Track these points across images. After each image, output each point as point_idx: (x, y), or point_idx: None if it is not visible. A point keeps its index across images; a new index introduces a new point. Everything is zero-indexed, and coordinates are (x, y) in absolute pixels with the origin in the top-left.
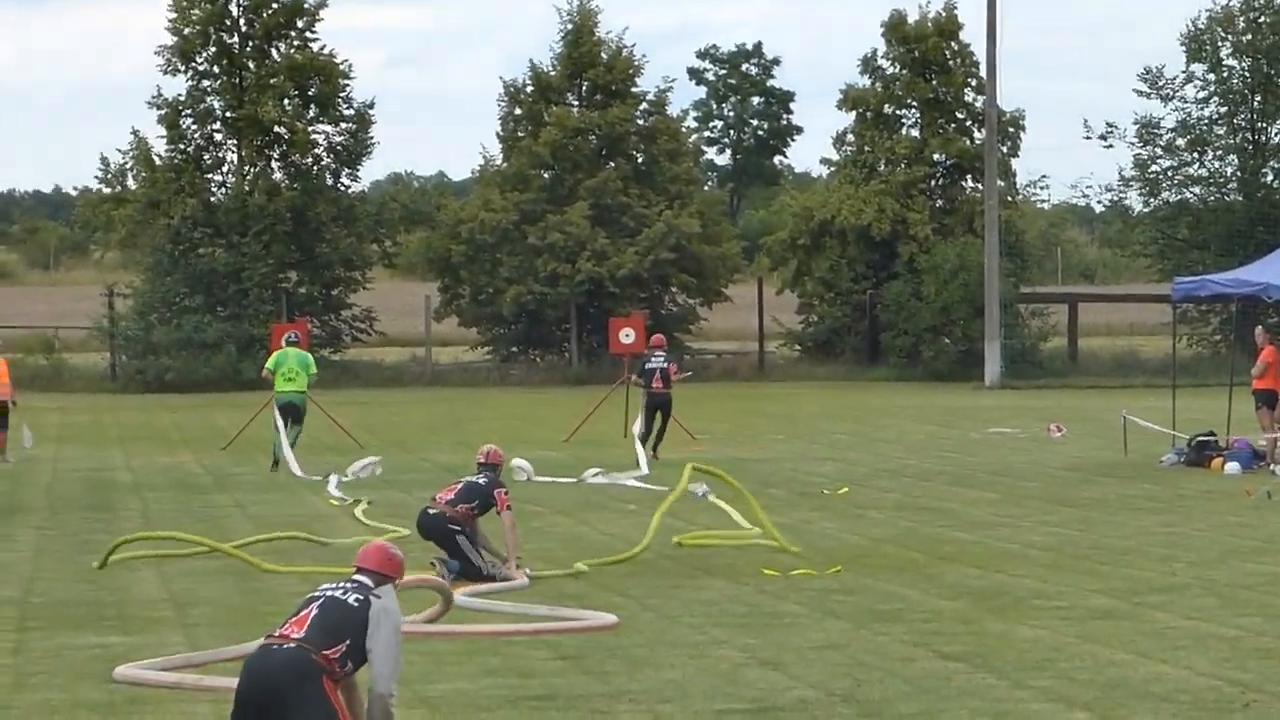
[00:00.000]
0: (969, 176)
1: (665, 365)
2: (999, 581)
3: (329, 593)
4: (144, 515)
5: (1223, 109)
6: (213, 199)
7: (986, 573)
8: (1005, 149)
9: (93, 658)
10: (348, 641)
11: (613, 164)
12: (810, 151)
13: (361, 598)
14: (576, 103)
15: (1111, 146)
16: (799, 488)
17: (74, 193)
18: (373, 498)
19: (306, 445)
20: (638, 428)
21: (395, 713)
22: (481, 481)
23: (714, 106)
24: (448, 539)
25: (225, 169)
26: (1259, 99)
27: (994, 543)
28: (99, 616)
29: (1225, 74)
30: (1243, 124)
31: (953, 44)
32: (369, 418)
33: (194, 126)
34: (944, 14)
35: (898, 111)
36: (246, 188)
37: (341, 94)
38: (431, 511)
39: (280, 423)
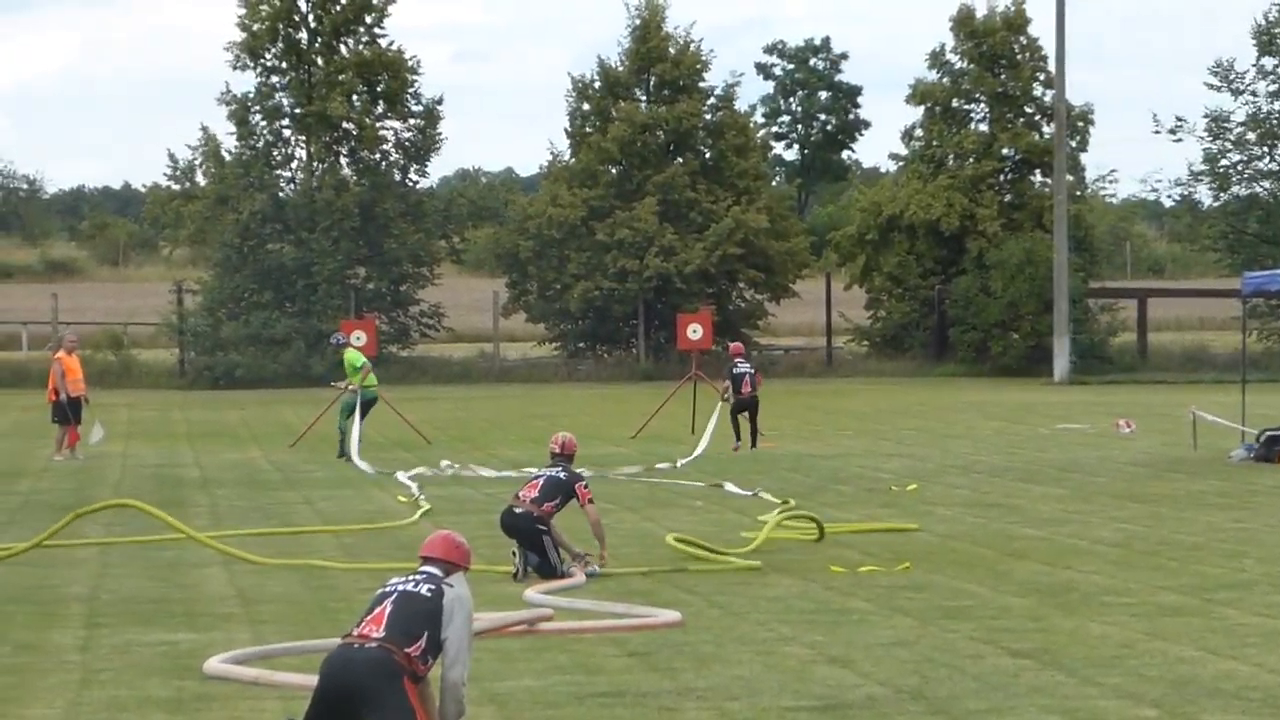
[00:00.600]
0: (1037, 171)
1: (753, 371)
2: (1067, 578)
3: (400, 587)
4: (212, 511)
5: None
6: (281, 195)
7: (1055, 569)
8: (1074, 143)
9: (161, 654)
10: (425, 635)
11: (680, 160)
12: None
13: (434, 588)
14: (644, 98)
15: (1181, 140)
16: (867, 484)
17: (143, 189)
18: (426, 496)
19: (375, 441)
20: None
21: (467, 704)
22: (562, 476)
23: (782, 101)
24: (534, 537)
25: (294, 165)
26: None
27: (1063, 539)
28: (167, 613)
29: None
30: None
31: (1021, 38)
32: (436, 413)
33: (263, 122)
34: (1012, 8)
35: (966, 106)
36: (315, 184)
37: (409, 90)
38: (518, 510)
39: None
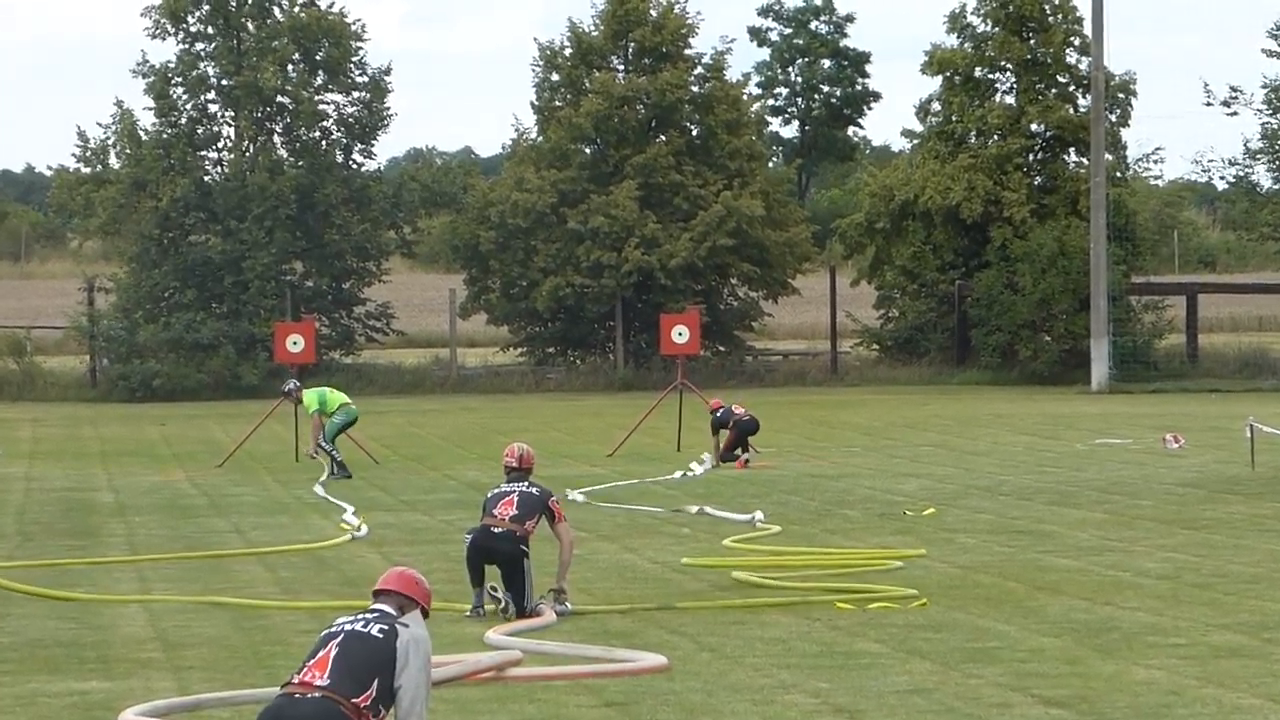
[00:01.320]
0: (1072, 150)
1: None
2: (1108, 615)
3: (348, 627)
4: (129, 541)
5: None
6: (207, 179)
7: (1094, 605)
8: (1114, 118)
9: (70, 705)
10: (376, 682)
11: (664, 137)
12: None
13: (387, 628)
14: (622, 68)
15: (1236, 114)
16: (878, 508)
17: (49, 172)
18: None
19: (314, 463)
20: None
21: None
22: (535, 492)
23: (779, 71)
24: (516, 561)
25: (221, 145)
26: None
27: (1102, 571)
28: (78, 659)
29: None
30: None
31: None
32: (386, 429)
33: (185, 96)
34: None
35: (990, 75)
36: (245, 166)
37: (353, 59)
38: (498, 530)
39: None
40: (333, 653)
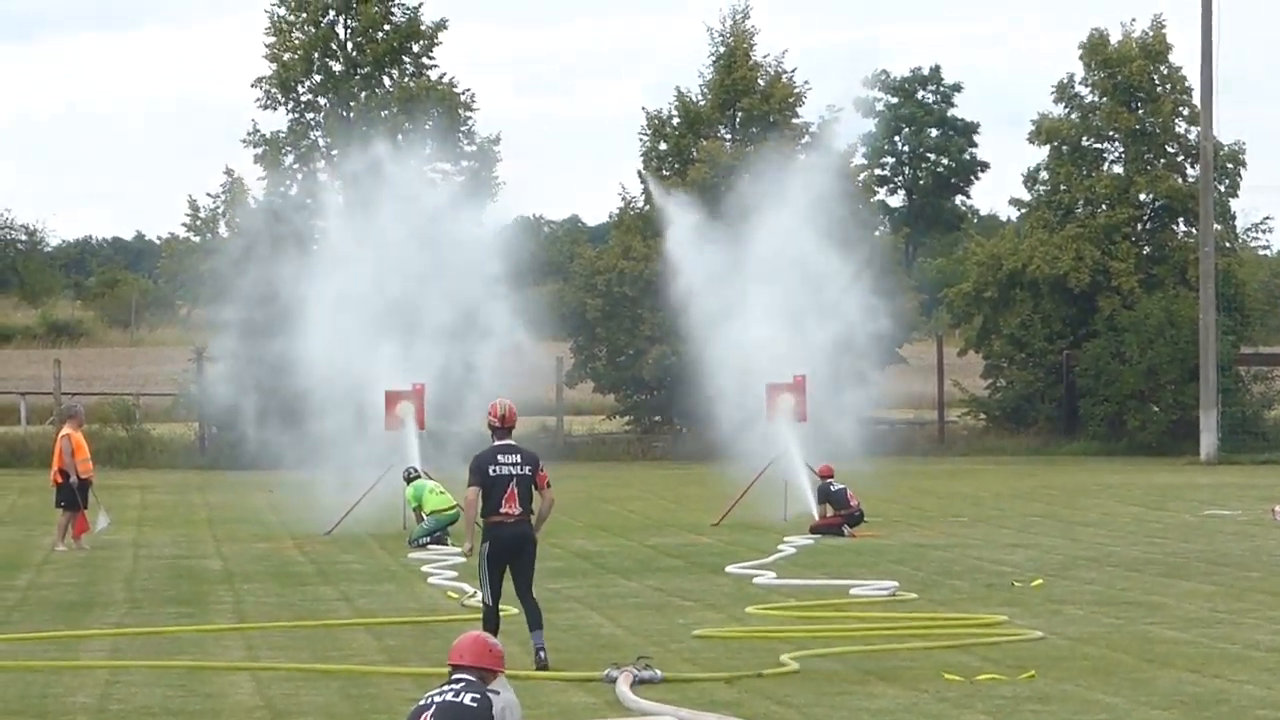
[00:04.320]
0: (1180, 219)
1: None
2: (1218, 688)
3: (438, 698)
4: (237, 609)
5: None
6: (316, 248)
7: (1203, 677)
8: (1223, 187)
9: None
10: None
11: (770, 205)
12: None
13: (478, 696)
14: (729, 136)
15: None
16: (985, 579)
17: (158, 241)
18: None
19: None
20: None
21: None
22: (527, 472)
23: (886, 140)
24: (533, 550)
25: (331, 212)
26: None
27: (1211, 643)
28: None
29: None
30: None
31: (1161, 67)
32: None
33: (295, 166)
34: (1151, 33)
35: (1098, 145)
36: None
37: (463, 128)
38: (514, 521)
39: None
40: None
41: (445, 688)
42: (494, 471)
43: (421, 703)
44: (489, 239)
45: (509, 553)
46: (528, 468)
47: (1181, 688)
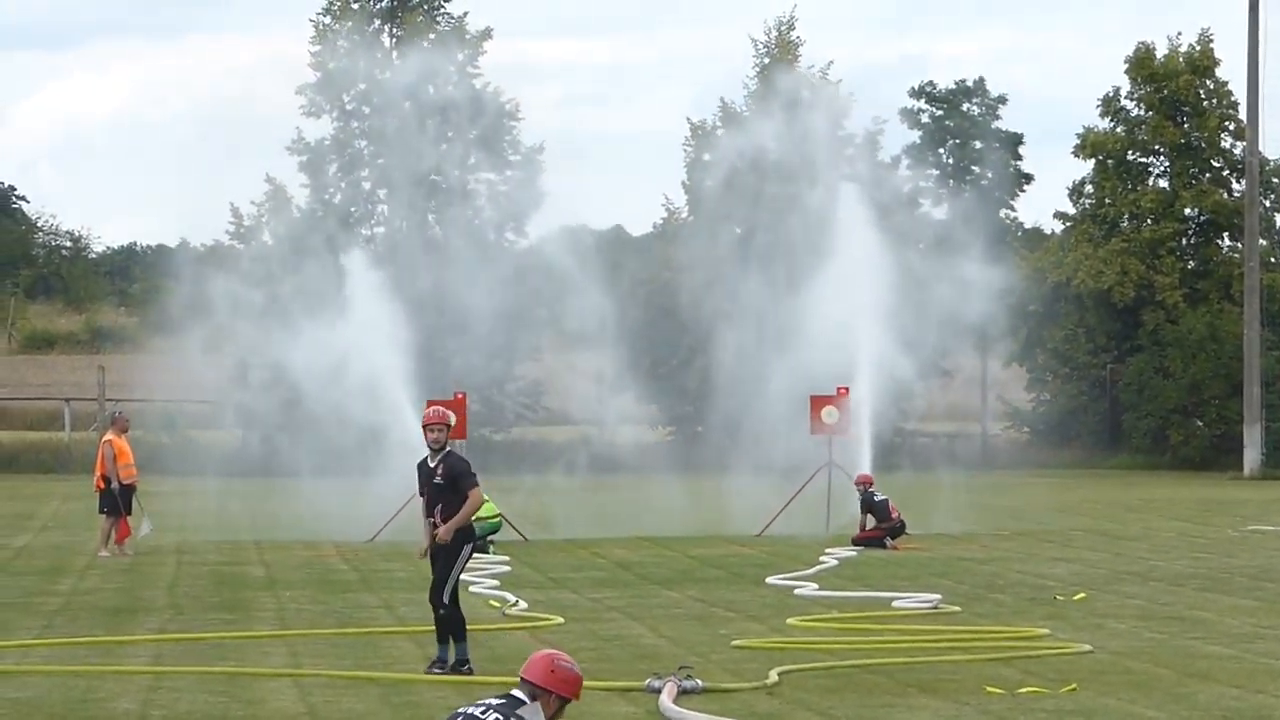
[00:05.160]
0: (1225, 234)
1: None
2: (1260, 703)
3: (466, 710)
4: (279, 616)
5: None
6: (357, 256)
7: (1245, 693)
8: (1268, 202)
9: None
10: None
11: (813, 217)
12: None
13: (501, 717)
14: (774, 146)
15: None
16: (1028, 592)
17: (202, 248)
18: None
19: None
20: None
21: None
22: (455, 488)
23: (930, 152)
24: (453, 555)
25: (374, 221)
26: None
27: (1255, 658)
28: None
29: None
30: None
31: (1207, 82)
32: (535, 507)
33: (339, 174)
34: (1197, 48)
35: (1143, 159)
36: (398, 242)
37: (507, 137)
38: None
39: None
40: None
41: (480, 702)
42: (429, 484)
43: (455, 713)
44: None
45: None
46: (456, 478)
47: (1223, 702)
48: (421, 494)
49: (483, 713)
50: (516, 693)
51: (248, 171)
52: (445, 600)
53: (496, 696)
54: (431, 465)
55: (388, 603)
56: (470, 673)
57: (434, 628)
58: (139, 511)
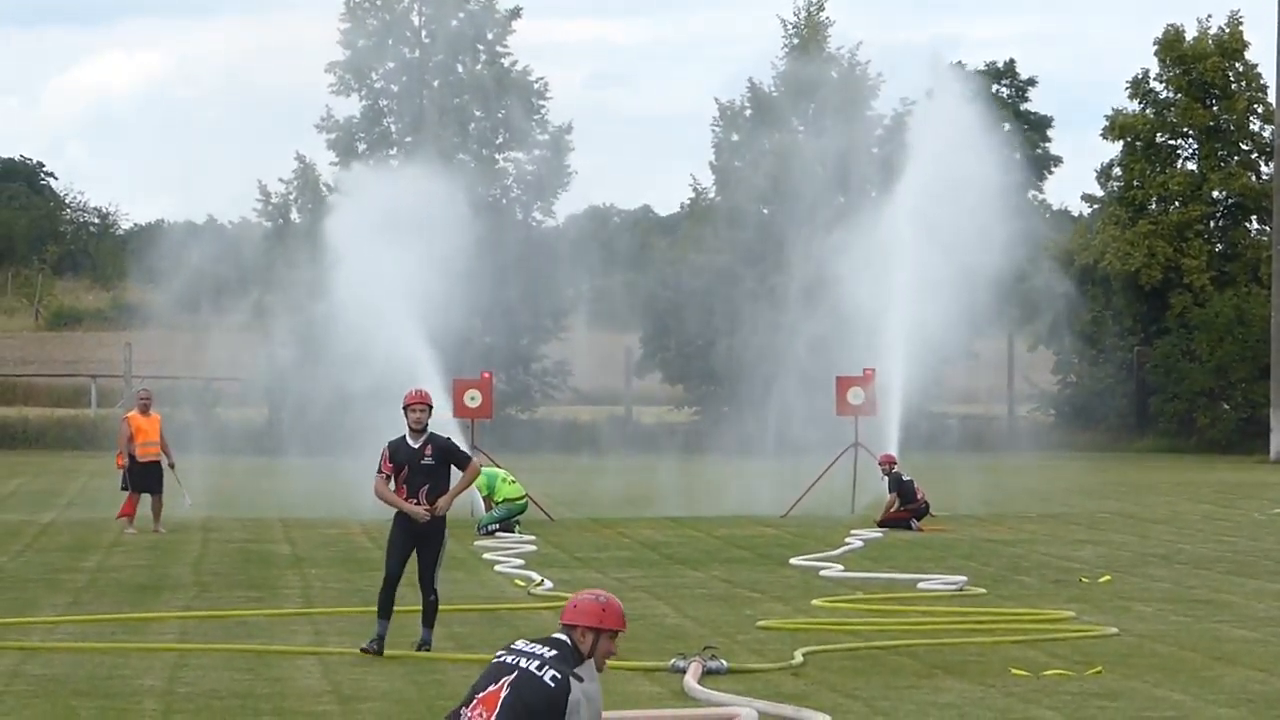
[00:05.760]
0: (1254, 217)
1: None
2: None
3: (523, 664)
4: (304, 594)
5: None
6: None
7: (1271, 676)
8: None
9: None
10: None
11: (842, 198)
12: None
13: (559, 676)
14: (802, 128)
15: None
16: (1053, 574)
17: (230, 226)
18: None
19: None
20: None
21: None
22: (446, 466)
23: None
24: (440, 537)
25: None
26: None
27: None
28: (253, 710)
29: None
30: None
31: (1236, 65)
32: (560, 487)
33: (368, 152)
34: (1226, 30)
35: (1171, 141)
36: None
37: (535, 117)
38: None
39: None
40: (504, 694)
41: (535, 649)
42: (412, 466)
43: (505, 660)
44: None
45: (411, 539)
46: (447, 452)
47: (1249, 686)
48: (396, 475)
49: (540, 667)
50: (560, 637)
51: (277, 149)
52: (436, 586)
53: (543, 644)
54: (416, 446)
55: (411, 580)
56: (427, 651)
57: (420, 609)
58: (178, 486)
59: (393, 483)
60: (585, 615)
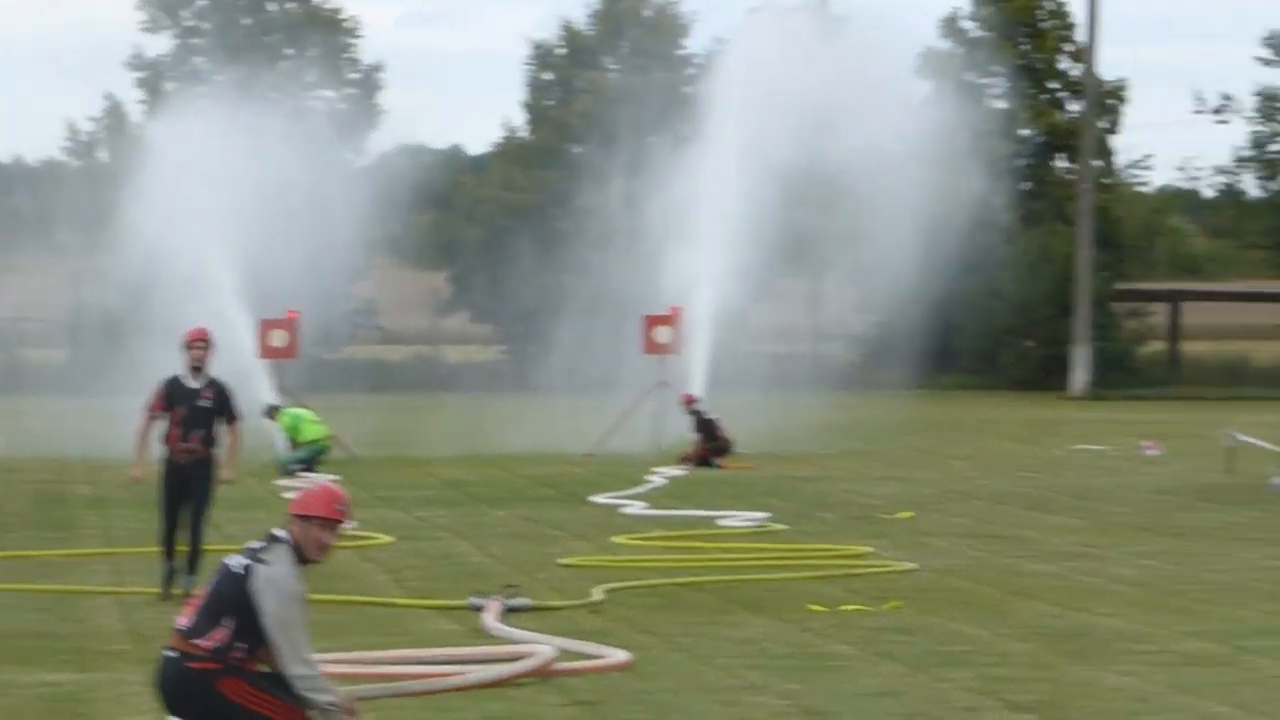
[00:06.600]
0: (1061, 155)
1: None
2: (1080, 621)
3: (226, 560)
4: (105, 533)
5: None
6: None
7: (1066, 611)
8: (1104, 124)
9: (40, 696)
10: (235, 621)
11: (653, 137)
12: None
13: (246, 563)
14: (615, 66)
15: (1227, 122)
16: (855, 511)
17: (37, 165)
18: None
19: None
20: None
21: (324, 693)
22: (213, 404)
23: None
24: (206, 491)
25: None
26: None
27: (1076, 577)
28: (51, 650)
29: None
30: None
31: (1046, 4)
32: (366, 426)
33: (177, 90)
34: None
35: (982, 80)
36: None
37: (346, 55)
38: (187, 461)
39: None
40: (208, 589)
41: (251, 544)
42: (187, 408)
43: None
44: (368, 167)
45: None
46: (215, 398)
47: (1045, 620)
48: (164, 413)
49: (235, 561)
50: (280, 531)
51: (85, 88)
52: (202, 535)
53: (262, 539)
54: (194, 386)
55: (216, 522)
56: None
57: (186, 550)
58: None
59: (167, 424)
60: (295, 504)
